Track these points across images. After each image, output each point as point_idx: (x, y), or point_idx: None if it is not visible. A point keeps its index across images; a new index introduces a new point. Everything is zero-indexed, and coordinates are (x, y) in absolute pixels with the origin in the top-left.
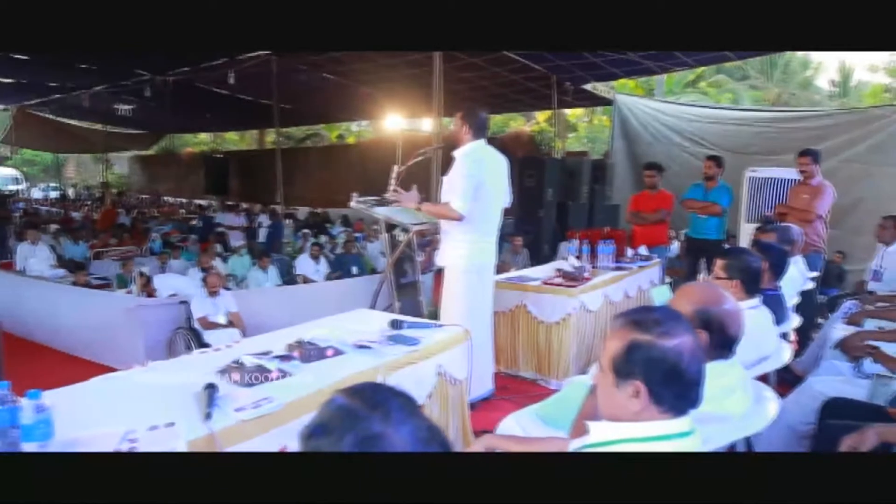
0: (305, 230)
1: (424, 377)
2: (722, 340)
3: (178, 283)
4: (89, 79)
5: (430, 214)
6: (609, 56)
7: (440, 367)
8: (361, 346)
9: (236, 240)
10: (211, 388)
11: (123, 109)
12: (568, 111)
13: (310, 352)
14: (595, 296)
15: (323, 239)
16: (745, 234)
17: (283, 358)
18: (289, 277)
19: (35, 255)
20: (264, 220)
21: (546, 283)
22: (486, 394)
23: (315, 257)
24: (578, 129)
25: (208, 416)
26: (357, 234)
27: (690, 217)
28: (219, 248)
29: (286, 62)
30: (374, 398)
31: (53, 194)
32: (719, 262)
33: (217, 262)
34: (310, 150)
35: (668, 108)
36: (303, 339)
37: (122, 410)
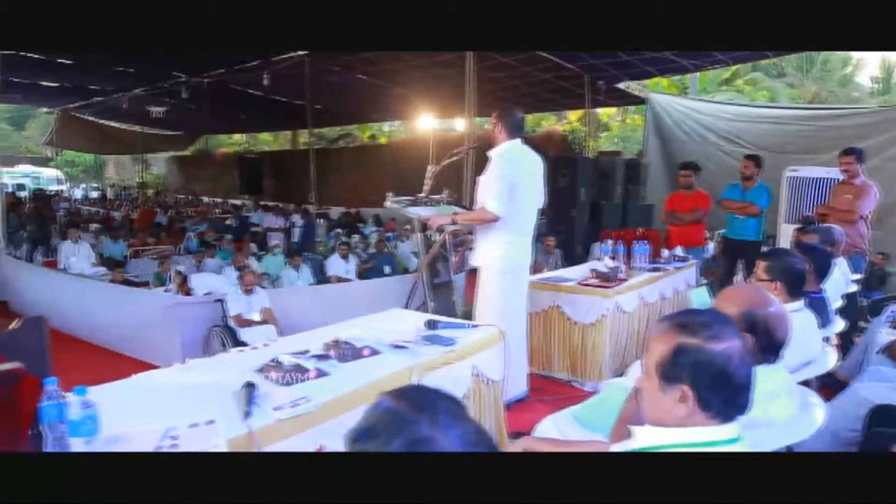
0: (338, 230)
1: (460, 378)
2: (768, 344)
3: (213, 281)
4: (128, 81)
5: (466, 223)
6: (643, 54)
7: (475, 367)
8: (397, 346)
9: (277, 240)
10: (250, 386)
11: (156, 111)
12: (600, 110)
13: (346, 351)
14: (630, 297)
15: (355, 238)
16: (785, 234)
17: (320, 357)
18: (321, 277)
19: (76, 254)
20: (297, 219)
21: (581, 284)
22: (520, 395)
23: (344, 256)
24: (611, 129)
25: (247, 414)
26: (389, 234)
27: (728, 217)
28: (253, 247)
29: (319, 63)
30: (421, 401)
31: (94, 194)
32: (761, 264)
33: (251, 261)
34: (342, 151)
35: (703, 107)
36: (339, 338)
37: (163, 407)
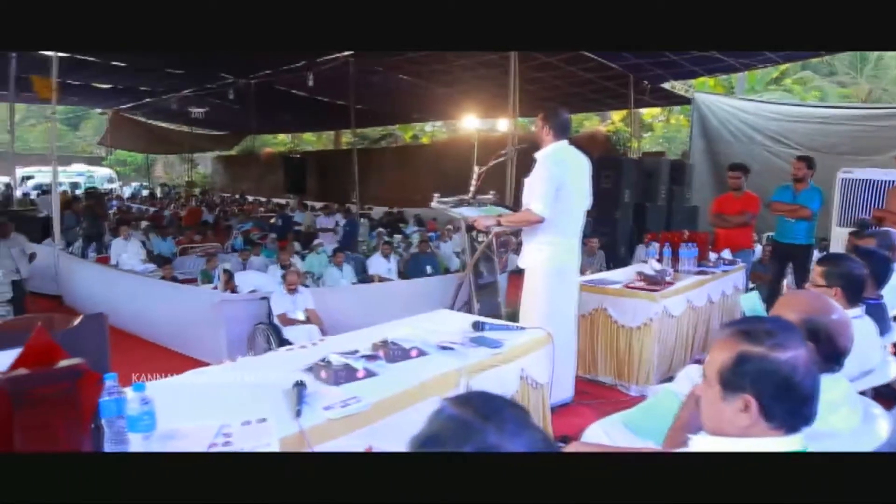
0: (380, 229)
1: (507, 381)
2: (830, 353)
3: (258, 279)
4: (178, 83)
5: (512, 225)
6: (690, 54)
7: (523, 370)
8: (444, 348)
9: (329, 242)
10: (300, 385)
11: (197, 112)
12: (644, 110)
13: (394, 352)
14: (678, 300)
15: (397, 238)
16: (838, 238)
17: (369, 357)
18: (363, 275)
19: (127, 251)
20: (340, 219)
21: (627, 287)
22: (566, 399)
23: (386, 256)
24: (654, 129)
25: (298, 413)
26: (430, 234)
27: (778, 220)
28: (297, 245)
29: (363, 64)
30: (486, 408)
31: (144, 192)
32: (818, 269)
33: (295, 260)
34: (385, 150)
35: (750, 107)
36: (387, 339)
37: (215, 404)
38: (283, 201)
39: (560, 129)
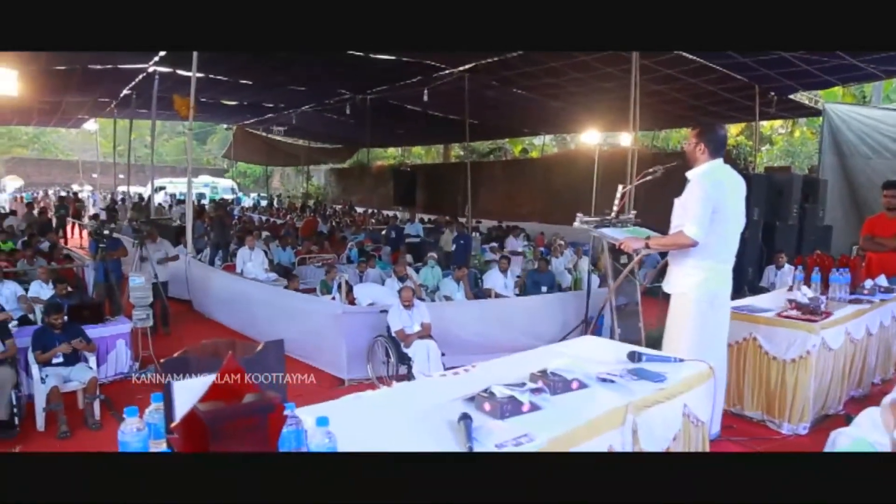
0: (493, 244)
1: (671, 418)
2: None
3: (376, 292)
4: (298, 99)
5: (662, 247)
6: (823, 62)
7: (686, 406)
8: (604, 380)
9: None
10: (467, 419)
11: (277, 130)
12: (764, 123)
13: (556, 383)
14: (837, 332)
15: (507, 252)
16: None
17: (534, 390)
18: (477, 290)
19: (252, 260)
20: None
21: (781, 316)
22: (712, 434)
23: (503, 271)
24: (774, 142)
25: (469, 450)
26: (542, 249)
27: None
28: (409, 258)
29: (478, 78)
30: None
31: (263, 203)
32: None
33: (410, 272)
34: (494, 164)
35: (891, 118)
36: (547, 368)
37: (379, 432)
38: (391, 213)
39: (716, 146)
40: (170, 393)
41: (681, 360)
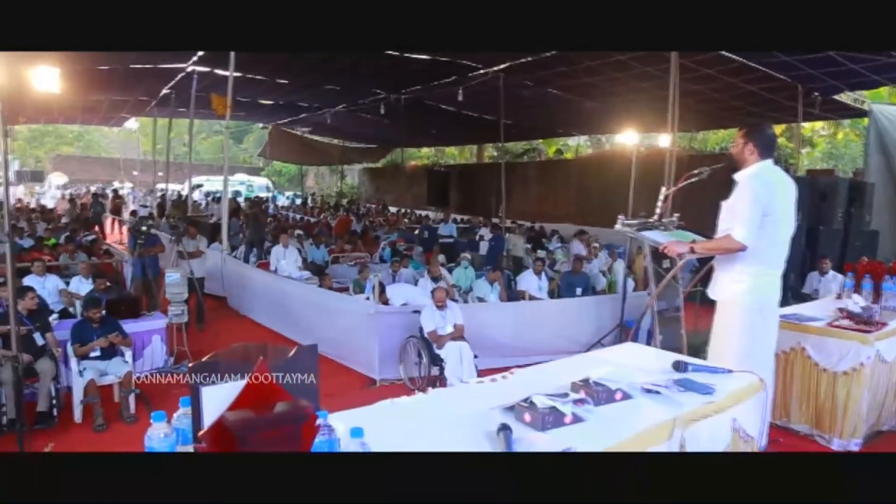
0: (526, 245)
1: (719, 433)
2: None
3: (409, 292)
4: (333, 98)
5: (708, 252)
6: (871, 61)
7: (735, 421)
8: (649, 391)
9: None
10: (506, 430)
11: (303, 130)
12: (805, 124)
13: (600, 394)
14: (892, 343)
15: (542, 254)
16: None
17: (577, 401)
18: (510, 292)
19: (286, 257)
20: (485, 232)
21: (832, 326)
22: (760, 450)
23: (538, 273)
24: (815, 144)
25: None
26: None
27: None
28: (442, 258)
29: (513, 78)
30: None
31: (298, 201)
32: None
33: (443, 273)
34: (527, 165)
35: None
36: (589, 378)
37: (417, 439)
38: (424, 213)
39: (766, 146)
40: (198, 398)
41: (729, 371)
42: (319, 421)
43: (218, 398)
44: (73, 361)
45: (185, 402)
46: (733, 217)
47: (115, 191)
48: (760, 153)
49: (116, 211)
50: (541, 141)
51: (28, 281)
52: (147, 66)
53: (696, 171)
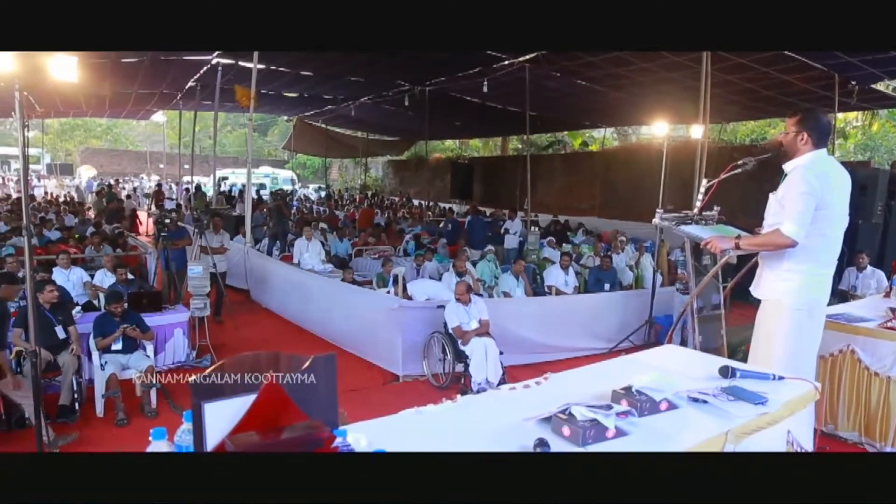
0: (550, 238)
1: (773, 447)
2: None
3: (433, 287)
4: (357, 91)
5: (754, 248)
6: None
7: (789, 433)
8: (696, 400)
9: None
10: (543, 445)
11: (327, 123)
12: (839, 115)
13: (643, 404)
14: None
15: (567, 248)
16: None
17: (620, 414)
18: (536, 286)
19: (309, 250)
20: (511, 226)
21: (884, 327)
22: None
23: (565, 268)
24: (848, 136)
25: None
26: (602, 245)
27: None
28: (467, 251)
29: (539, 69)
30: None
31: (322, 194)
32: None
33: (468, 267)
34: (553, 158)
35: None
36: (632, 386)
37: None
38: (448, 205)
39: (820, 134)
40: (200, 416)
41: (781, 378)
42: (338, 441)
43: (222, 416)
44: (95, 355)
45: (187, 417)
46: (782, 211)
47: (159, 184)
48: (815, 142)
49: (158, 204)
50: (566, 133)
51: (53, 273)
52: (171, 56)
53: (740, 162)
